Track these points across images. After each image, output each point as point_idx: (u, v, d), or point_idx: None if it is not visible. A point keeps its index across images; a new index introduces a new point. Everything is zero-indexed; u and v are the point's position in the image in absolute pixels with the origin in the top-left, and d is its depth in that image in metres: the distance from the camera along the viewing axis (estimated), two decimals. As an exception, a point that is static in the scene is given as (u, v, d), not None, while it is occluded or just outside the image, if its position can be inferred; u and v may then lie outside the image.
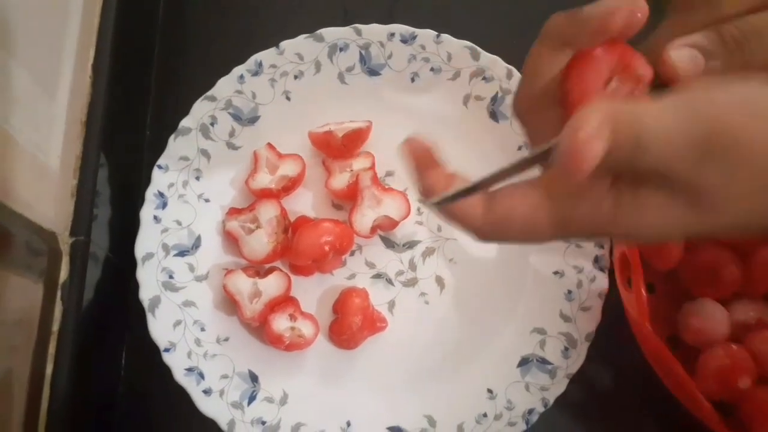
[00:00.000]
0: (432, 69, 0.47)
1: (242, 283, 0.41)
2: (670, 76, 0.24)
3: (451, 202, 0.25)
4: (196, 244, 0.43)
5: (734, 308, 0.40)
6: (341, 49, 0.47)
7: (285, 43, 0.46)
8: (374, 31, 0.47)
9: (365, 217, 0.43)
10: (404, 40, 0.47)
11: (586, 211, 0.24)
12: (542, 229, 0.24)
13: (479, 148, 0.46)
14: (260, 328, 0.41)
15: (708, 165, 0.22)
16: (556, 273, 0.43)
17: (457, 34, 0.47)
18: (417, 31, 0.46)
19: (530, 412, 0.40)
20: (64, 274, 0.37)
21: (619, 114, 0.22)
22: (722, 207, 0.22)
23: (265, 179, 0.44)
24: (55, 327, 0.36)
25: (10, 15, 0.34)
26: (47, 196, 0.37)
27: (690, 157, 0.22)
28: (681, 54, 0.24)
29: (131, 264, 0.42)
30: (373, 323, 0.42)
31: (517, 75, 0.46)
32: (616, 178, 0.24)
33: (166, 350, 0.40)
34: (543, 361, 0.41)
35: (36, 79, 0.36)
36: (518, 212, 0.24)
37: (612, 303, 0.42)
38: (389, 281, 0.44)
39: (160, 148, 0.44)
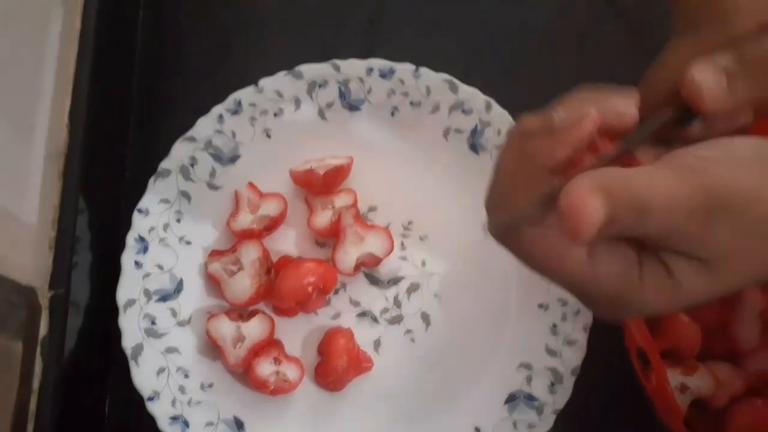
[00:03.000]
0: (411, 103, 0.47)
1: (225, 328, 0.41)
2: (694, 100, 0.24)
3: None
4: (178, 288, 0.43)
5: (751, 360, 0.40)
6: (320, 86, 0.46)
7: (264, 81, 0.46)
8: (353, 66, 0.46)
9: (348, 255, 0.43)
10: (383, 75, 0.46)
11: (612, 270, 0.23)
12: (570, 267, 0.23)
13: (460, 179, 0.46)
14: (245, 373, 0.41)
15: (717, 225, 0.22)
16: (540, 306, 0.43)
17: (437, 67, 0.47)
18: (396, 65, 0.46)
19: (518, 450, 0.40)
20: (43, 329, 0.36)
21: (610, 177, 0.22)
22: (735, 266, 0.22)
23: (246, 219, 0.44)
24: (36, 384, 0.35)
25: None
26: (25, 250, 0.36)
27: (697, 218, 0.21)
28: (705, 77, 0.23)
29: (112, 311, 0.41)
30: (359, 364, 0.42)
31: (496, 107, 0.46)
32: (641, 249, 0.23)
33: (150, 399, 0.40)
34: (530, 398, 0.41)
35: (11, 132, 0.36)
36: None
37: (597, 336, 0.42)
38: (374, 319, 0.44)
39: (140, 189, 0.44)
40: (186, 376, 0.41)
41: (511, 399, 0.42)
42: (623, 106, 0.24)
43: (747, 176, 0.22)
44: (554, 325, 0.43)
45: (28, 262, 0.37)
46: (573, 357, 0.42)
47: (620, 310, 0.24)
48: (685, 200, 0.21)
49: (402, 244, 0.45)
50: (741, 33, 0.24)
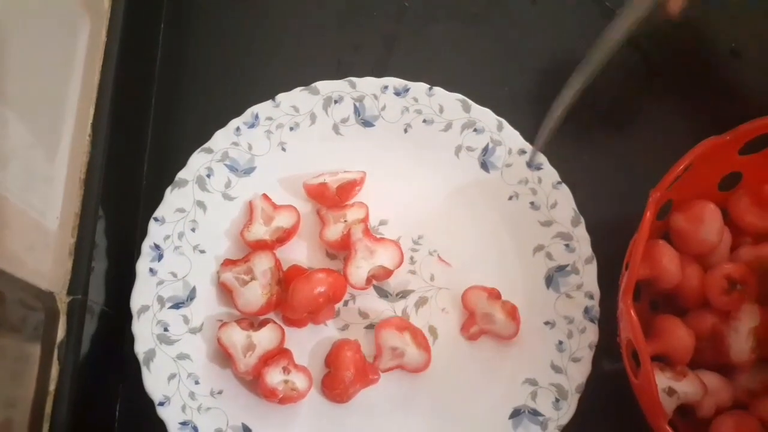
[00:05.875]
0: (424, 120, 0.48)
1: (236, 336, 0.42)
2: None
3: None
4: (191, 295, 0.44)
5: (741, 374, 0.41)
6: (336, 102, 0.48)
7: (281, 96, 0.47)
8: (368, 83, 0.48)
9: (360, 269, 0.44)
10: (397, 93, 0.48)
11: None
12: None
13: (470, 196, 0.47)
14: (254, 381, 0.42)
15: None
16: (547, 323, 0.44)
17: (450, 86, 0.48)
18: (410, 84, 0.48)
19: (522, 465, 0.40)
20: (61, 333, 0.37)
21: None
22: None
23: (260, 230, 0.45)
24: (52, 386, 0.36)
25: (16, 77, 0.35)
26: (46, 256, 0.37)
27: None
28: None
29: (126, 317, 0.42)
30: (366, 376, 0.42)
31: (507, 127, 0.47)
32: None
33: (161, 404, 0.41)
34: (534, 413, 0.42)
35: (38, 142, 0.37)
36: None
37: (601, 353, 0.43)
38: (382, 331, 0.44)
39: (156, 199, 0.45)
40: (196, 382, 0.42)
41: (516, 414, 0.42)
42: None
43: None
44: (560, 342, 0.43)
45: (48, 267, 0.37)
46: (578, 374, 0.42)
47: None
48: None
49: (411, 258, 0.46)
50: None
